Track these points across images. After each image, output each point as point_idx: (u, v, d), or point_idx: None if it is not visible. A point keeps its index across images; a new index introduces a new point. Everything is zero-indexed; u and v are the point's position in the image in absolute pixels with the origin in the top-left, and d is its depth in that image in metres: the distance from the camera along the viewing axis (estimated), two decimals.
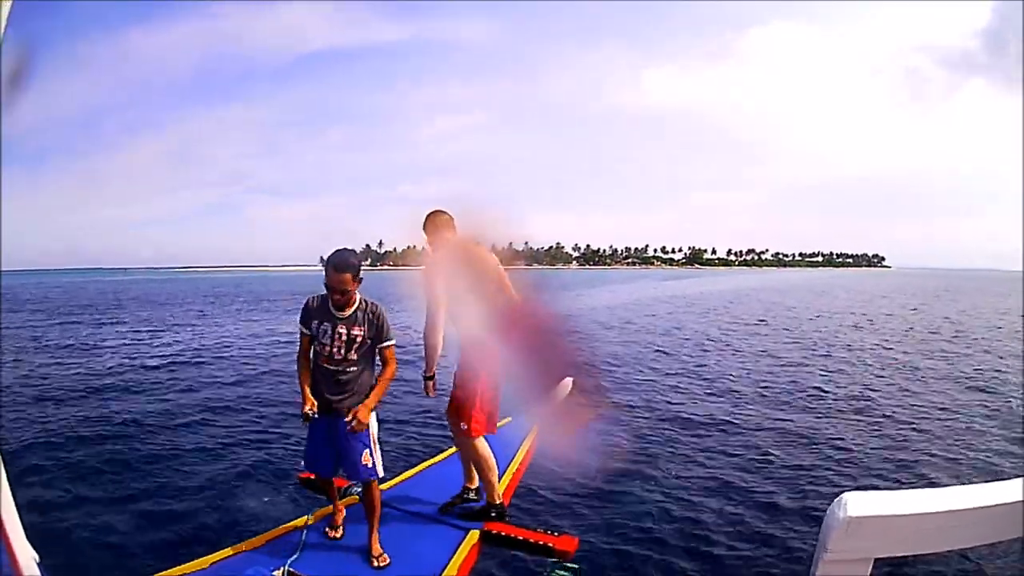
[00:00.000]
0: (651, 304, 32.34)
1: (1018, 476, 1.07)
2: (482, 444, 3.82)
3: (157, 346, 15.88)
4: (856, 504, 1.01)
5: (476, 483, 4.05)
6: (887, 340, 17.37)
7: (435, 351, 3.74)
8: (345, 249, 3.41)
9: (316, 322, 3.37)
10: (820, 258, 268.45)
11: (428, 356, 3.76)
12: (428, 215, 3.87)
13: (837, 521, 1.01)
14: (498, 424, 4.29)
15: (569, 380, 6.64)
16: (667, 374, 11.52)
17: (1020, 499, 1.01)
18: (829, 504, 1.05)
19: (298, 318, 3.42)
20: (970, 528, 1.04)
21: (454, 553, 3.41)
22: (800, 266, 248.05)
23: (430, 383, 3.88)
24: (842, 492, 1.04)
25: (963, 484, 1.23)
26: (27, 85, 1.57)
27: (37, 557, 1.81)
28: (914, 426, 8.11)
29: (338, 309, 3.37)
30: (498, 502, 3.85)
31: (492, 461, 3.84)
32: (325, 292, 3.38)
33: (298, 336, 3.45)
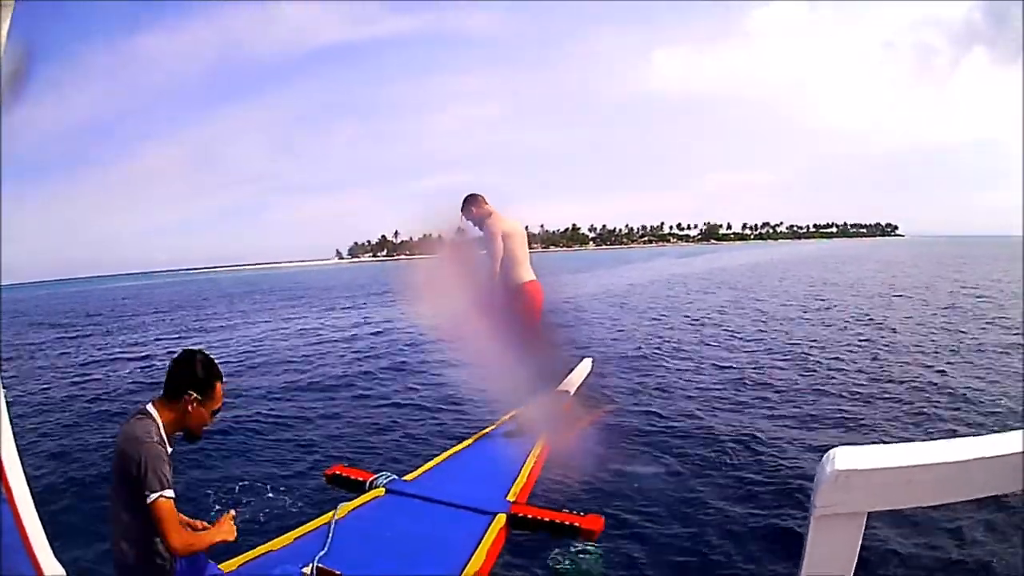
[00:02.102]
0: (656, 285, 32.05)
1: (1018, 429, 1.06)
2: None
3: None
4: (845, 458, 1.00)
5: None
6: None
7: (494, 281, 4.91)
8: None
9: None
10: (835, 229, 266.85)
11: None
12: (466, 197, 4.94)
13: (826, 475, 1.01)
14: (503, 419, 4.66)
15: (588, 361, 6.70)
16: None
17: (1019, 451, 1.00)
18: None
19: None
20: (966, 481, 1.03)
21: (482, 537, 3.43)
22: (815, 238, 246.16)
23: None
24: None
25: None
26: (27, 87, 1.57)
27: (63, 573, 1.83)
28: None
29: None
30: None
31: None
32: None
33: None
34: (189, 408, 2.51)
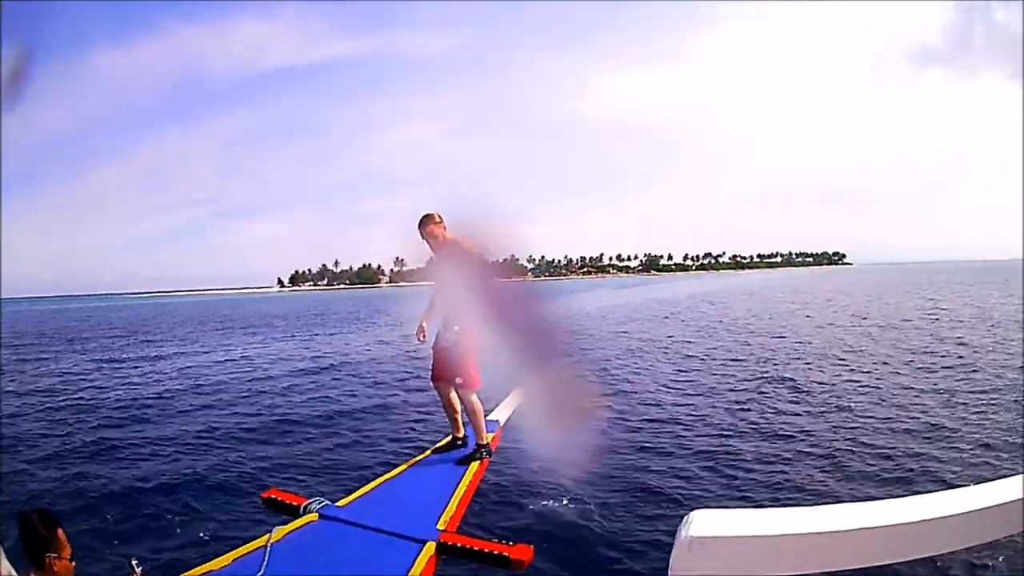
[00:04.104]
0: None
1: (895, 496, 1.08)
2: (474, 395, 4.70)
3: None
4: (703, 522, 1.00)
5: (462, 432, 4.99)
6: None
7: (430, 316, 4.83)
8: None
9: None
10: (779, 258, 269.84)
11: (427, 314, 4.83)
12: (422, 217, 4.67)
13: (681, 540, 1.00)
14: (437, 445, 4.80)
15: (519, 391, 6.81)
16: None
17: (899, 521, 1.00)
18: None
19: None
20: (833, 550, 1.00)
21: (412, 566, 3.48)
22: (759, 268, 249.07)
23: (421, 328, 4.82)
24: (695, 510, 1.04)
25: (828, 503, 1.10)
26: (26, 87, 1.65)
27: (14, 573, 1.93)
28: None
29: None
30: (485, 443, 4.76)
31: (481, 408, 4.75)
32: None
33: None
34: (56, 567, 2.53)
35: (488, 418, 5.19)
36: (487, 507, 5.16)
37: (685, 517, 1.01)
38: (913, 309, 27.21)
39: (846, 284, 60.01)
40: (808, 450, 7.65)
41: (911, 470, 6.80)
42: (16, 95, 1.76)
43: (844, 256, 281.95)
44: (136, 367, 17.32)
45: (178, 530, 5.29)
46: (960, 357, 13.71)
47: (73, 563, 2.60)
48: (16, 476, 6.95)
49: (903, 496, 1.09)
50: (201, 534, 4.97)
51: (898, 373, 12.24)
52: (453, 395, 4.89)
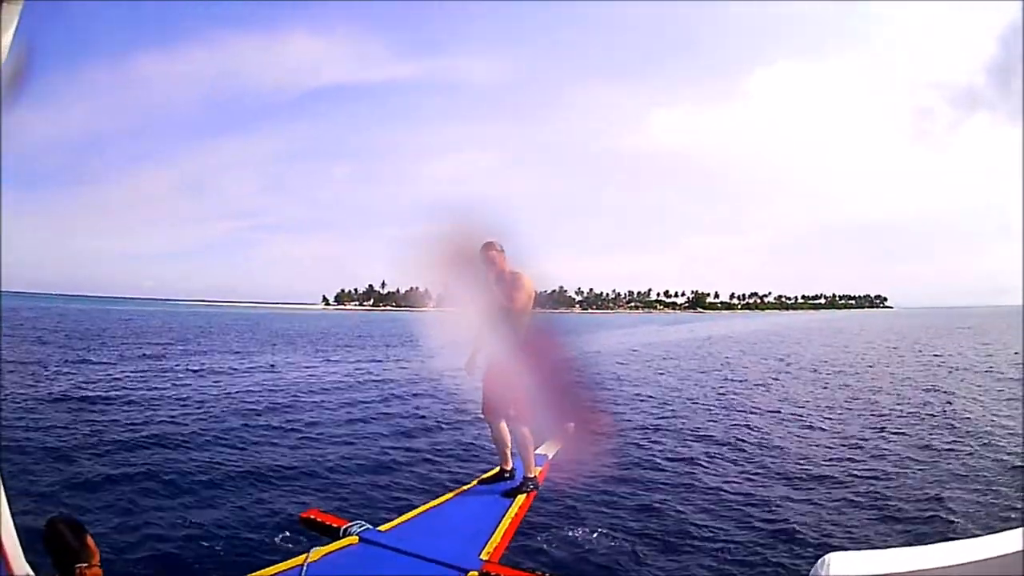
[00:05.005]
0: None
1: (1014, 528, 1.02)
2: (525, 428, 4.70)
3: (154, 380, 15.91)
4: (841, 564, 0.95)
5: (511, 465, 4.98)
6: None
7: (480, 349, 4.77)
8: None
9: None
10: (823, 300, 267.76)
11: (477, 347, 4.76)
12: (485, 243, 4.63)
13: None
14: (482, 476, 4.74)
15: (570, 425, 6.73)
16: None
17: (1019, 550, 0.95)
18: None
19: None
20: None
21: None
22: (803, 309, 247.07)
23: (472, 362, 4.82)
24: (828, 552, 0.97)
25: (955, 539, 1.05)
26: (26, 87, 1.64)
27: (32, 574, 1.88)
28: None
29: None
30: (533, 475, 4.76)
31: (532, 441, 4.77)
32: None
33: None
34: None
35: (536, 452, 5.11)
36: (532, 540, 5.02)
37: (821, 559, 0.96)
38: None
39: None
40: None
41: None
42: (16, 95, 1.74)
43: (886, 299, 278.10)
44: (179, 376, 17.50)
45: (214, 546, 5.26)
46: None
47: (102, 570, 2.52)
48: (40, 478, 7.01)
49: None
50: (236, 552, 4.94)
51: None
52: (503, 427, 4.86)
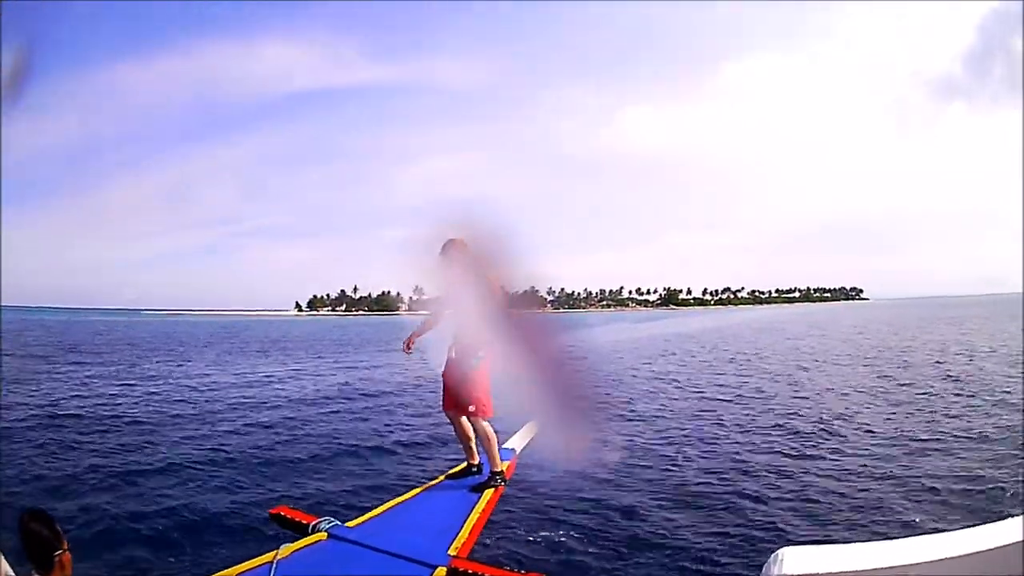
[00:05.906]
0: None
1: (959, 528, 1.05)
2: (487, 423, 4.68)
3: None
4: (794, 560, 0.96)
5: (477, 459, 4.95)
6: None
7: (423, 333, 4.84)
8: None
9: None
10: (797, 294, 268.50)
11: (420, 330, 4.82)
12: (447, 241, 4.58)
13: None
14: (450, 471, 4.75)
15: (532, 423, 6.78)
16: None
17: (972, 551, 0.96)
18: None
19: None
20: None
21: None
22: (777, 303, 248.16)
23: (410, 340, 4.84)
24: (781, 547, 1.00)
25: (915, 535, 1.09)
26: (26, 87, 1.66)
27: (12, 574, 1.92)
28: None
29: None
30: (500, 470, 4.73)
31: (494, 436, 4.73)
32: None
33: None
34: (64, 563, 2.53)
35: (504, 446, 5.16)
36: (500, 535, 5.08)
37: (773, 554, 0.97)
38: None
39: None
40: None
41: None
42: (17, 95, 1.77)
43: (861, 291, 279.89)
44: (148, 383, 17.35)
45: (183, 542, 5.28)
46: None
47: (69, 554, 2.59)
48: (16, 484, 7.01)
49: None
50: (206, 549, 4.96)
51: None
52: (465, 422, 4.85)
